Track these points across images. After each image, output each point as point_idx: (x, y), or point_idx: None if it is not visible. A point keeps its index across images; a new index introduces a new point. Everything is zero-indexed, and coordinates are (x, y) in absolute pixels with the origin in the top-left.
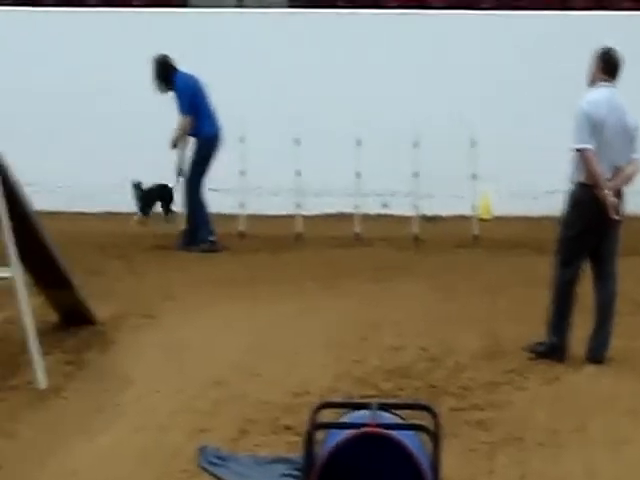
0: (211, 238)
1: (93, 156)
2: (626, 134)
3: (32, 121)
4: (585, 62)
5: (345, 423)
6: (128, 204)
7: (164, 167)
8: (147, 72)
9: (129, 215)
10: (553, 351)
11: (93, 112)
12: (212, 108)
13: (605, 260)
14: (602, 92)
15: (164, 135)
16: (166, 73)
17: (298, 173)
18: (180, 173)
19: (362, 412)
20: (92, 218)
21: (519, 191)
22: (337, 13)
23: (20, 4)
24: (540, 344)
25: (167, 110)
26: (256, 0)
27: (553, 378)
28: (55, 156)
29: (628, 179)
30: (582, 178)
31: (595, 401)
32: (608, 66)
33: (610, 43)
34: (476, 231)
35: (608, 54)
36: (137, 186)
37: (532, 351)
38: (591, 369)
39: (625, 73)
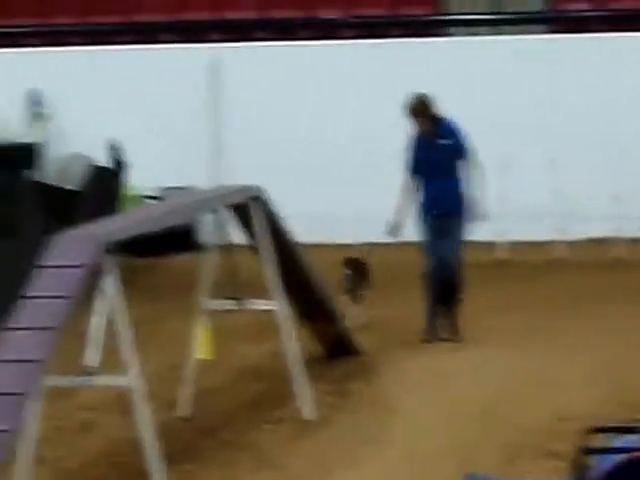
0: None
1: (351, 186)
2: None
3: (289, 154)
4: None
5: (617, 448)
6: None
7: None
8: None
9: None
10: None
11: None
12: None
13: None
14: None
15: None
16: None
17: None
18: None
19: (633, 436)
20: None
21: None
22: None
23: None
24: None
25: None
26: None
27: None
28: (313, 187)
29: None
30: None
31: None
32: None
33: None
34: None
35: None
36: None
37: None
38: None
39: None
